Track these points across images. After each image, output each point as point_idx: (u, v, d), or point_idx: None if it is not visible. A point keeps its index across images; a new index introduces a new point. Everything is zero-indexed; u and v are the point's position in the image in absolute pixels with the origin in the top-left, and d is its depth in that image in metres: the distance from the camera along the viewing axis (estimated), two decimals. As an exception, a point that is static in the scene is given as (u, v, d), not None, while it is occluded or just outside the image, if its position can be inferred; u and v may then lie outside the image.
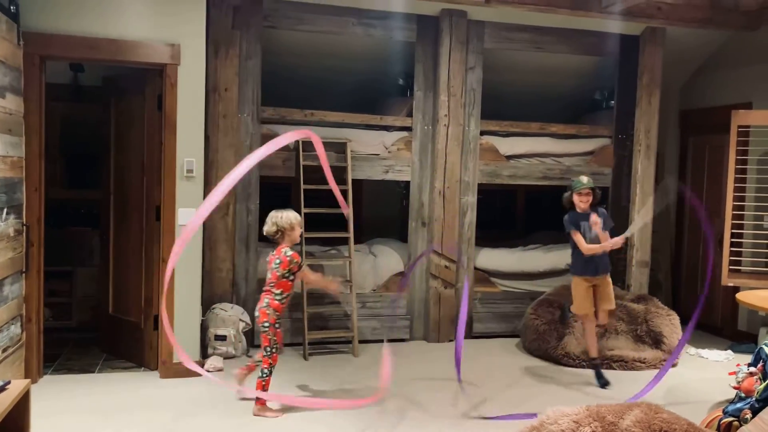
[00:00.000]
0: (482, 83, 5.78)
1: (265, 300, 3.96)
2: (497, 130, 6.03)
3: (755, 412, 3.14)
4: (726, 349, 5.66)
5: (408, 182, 5.81)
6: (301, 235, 4.22)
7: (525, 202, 8.02)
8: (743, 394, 3.48)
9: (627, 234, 4.67)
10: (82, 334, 5.51)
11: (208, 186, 4.82)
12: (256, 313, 3.99)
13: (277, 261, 3.92)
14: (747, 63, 6.06)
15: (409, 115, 5.77)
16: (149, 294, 4.68)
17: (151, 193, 4.67)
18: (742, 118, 5.54)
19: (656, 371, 4.81)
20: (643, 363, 5.09)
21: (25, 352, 4.15)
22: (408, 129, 5.76)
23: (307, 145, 5.42)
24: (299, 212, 4.56)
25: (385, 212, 7.25)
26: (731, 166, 5.54)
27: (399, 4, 5.35)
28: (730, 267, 5.53)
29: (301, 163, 5.32)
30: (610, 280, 4.73)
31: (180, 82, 4.47)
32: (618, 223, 5.13)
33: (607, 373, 4.75)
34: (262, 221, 5.34)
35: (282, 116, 5.45)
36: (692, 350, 5.58)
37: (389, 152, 5.73)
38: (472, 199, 5.84)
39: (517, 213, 8.06)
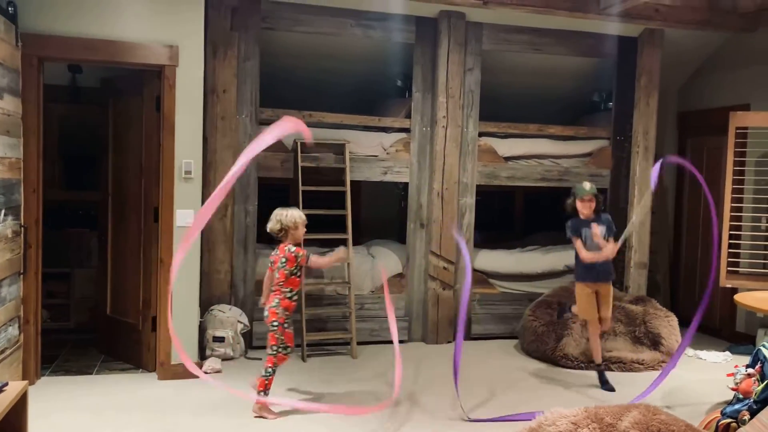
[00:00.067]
0: (480, 85, 5.79)
1: (275, 300, 3.95)
2: (496, 132, 6.03)
3: (753, 414, 3.14)
4: (724, 351, 5.66)
5: (406, 183, 5.82)
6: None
7: (523, 204, 8.03)
8: (741, 396, 3.49)
9: (624, 237, 4.66)
10: (80, 335, 5.50)
11: (206, 187, 4.83)
12: (265, 313, 3.98)
13: (283, 260, 3.93)
14: (745, 65, 6.07)
15: (408, 116, 5.77)
16: (147, 295, 4.68)
17: (149, 195, 4.67)
18: (740, 120, 5.54)
19: (654, 373, 4.82)
20: (642, 364, 5.09)
21: (23, 354, 4.14)
22: (406, 130, 5.76)
23: (306, 147, 5.43)
24: (297, 213, 4.55)
25: (383, 214, 7.25)
26: (729, 167, 5.55)
27: (397, 5, 5.35)
28: (728, 268, 5.53)
29: (300, 164, 5.32)
30: (611, 288, 4.70)
31: (178, 83, 4.47)
32: (617, 224, 5.12)
33: (605, 375, 4.74)
34: (260, 223, 5.37)
35: (280, 117, 5.43)
36: (690, 351, 5.58)
37: (388, 153, 5.73)
38: (470, 200, 5.84)
39: (515, 214, 8.07)
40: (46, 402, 3.98)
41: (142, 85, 4.71)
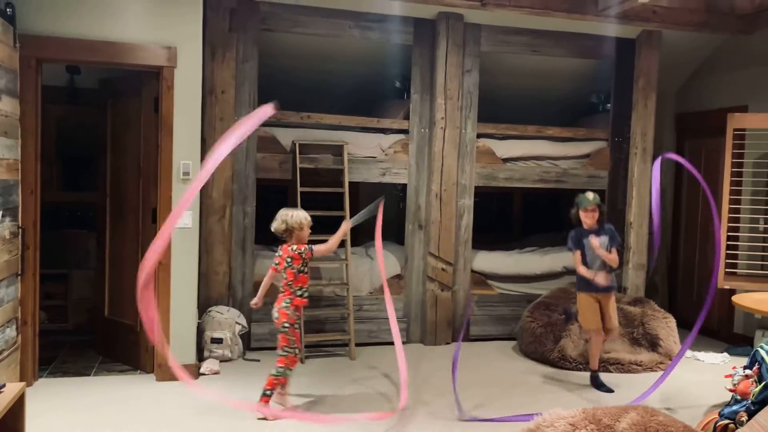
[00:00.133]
0: (479, 86, 5.79)
1: (284, 301, 3.95)
2: (494, 133, 6.04)
3: (751, 415, 3.15)
4: (722, 352, 5.66)
5: (405, 185, 5.82)
6: None
7: (522, 205, 8.04)
8: (739, 397, 3.49)
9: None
10: (78, 336, 5.50)
11: (204, 189, 4.82)
12: (276, 315, 3.97)
13: (289, 259, 3.94)
14: (742, 66, 6.08)
15: (406, 117, 5.78)
16: (145, 297, 4.67)
17: (147, 196, 4.67)
18: (738, 122, 5.55)
19: (653, 374, 4.82)
20: (640, 366, 5.10)
21: (21, 355, 4.13)
22: (405, 132, 5.76)
23: (304, 148, 5.44)
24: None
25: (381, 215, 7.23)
26: (727, 169, 5.56)
27: (396, 7, 5.36)
28: (726, 270, 5.54)
29: (298, 165, 5.32)
30: (614, 299, 4.67)
31: (176, 84, 4.46)
32: (616, 226, 5.13)
33: (604, 376, 4.75)
34: (258, 224, 5.38)
35: (279, 119, 5.44)
36: (689, 353, 5.58)
37: (386, 155, 5.73)
38: (468, 201, 5.84)
39: (513, 216, 8.07)
40: (44, 403, 3.98)
41: (141, 87, 4.70)
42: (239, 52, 5.20)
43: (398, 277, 5.83)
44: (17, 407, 2.81)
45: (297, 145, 5.37)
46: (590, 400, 4.39)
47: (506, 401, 4.35)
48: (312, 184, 5.35)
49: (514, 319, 5.84)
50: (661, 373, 4.67)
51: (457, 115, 5.71)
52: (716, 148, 6.11)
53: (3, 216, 3.78)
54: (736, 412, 3.36)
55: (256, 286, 4.92)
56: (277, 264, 4.00)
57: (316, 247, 4.02)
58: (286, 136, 5.47)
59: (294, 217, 3.96)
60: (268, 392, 3.90)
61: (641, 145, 6.04)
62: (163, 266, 4.46)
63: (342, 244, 5.40)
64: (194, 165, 4.55)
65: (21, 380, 4.01)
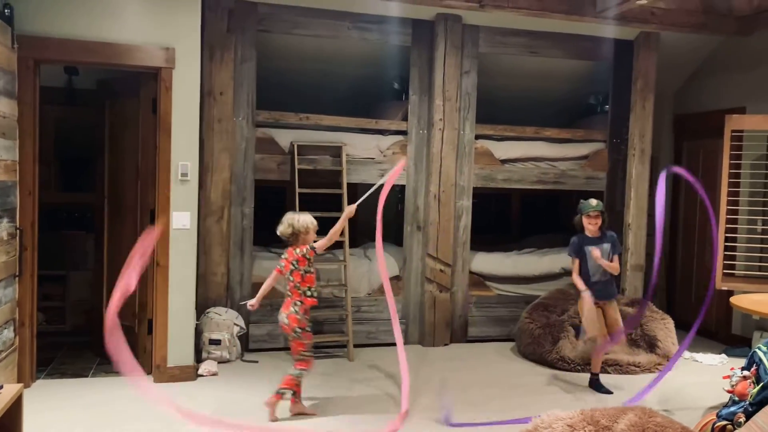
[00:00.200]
0: (477, 87, 5.80)
1: (294, 304, 3.94)
2: (492, 134, 6.04)
3: (749, 416, 3.15)
4: (720, 353, 5.67)
5: (403, 186, 5.82)
6: None
7: (520, 206, 8.04)
8: (737, 398, 3.49)
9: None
10: (76, 338, 5.49)
11: (202, 190, 4.81)
12: (285, 320, 3.95)
13: (295, 262, 3.94)
14: (740, 68, 6.09)
15: (405, 119, 5.78)
16: (143, 298, 4.67)
17: (145, 197, 4.66)
18: (736, 123, 5.56)
19: (651, 375, 4.82)
20: (638, 367, 5.10)
21: (18, 357, 4.13)
22: (403, 133, 5.76)
23: (303, 149, 5.43)
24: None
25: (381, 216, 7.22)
26: (725, 170, 5.56)
27: (394, 8, 5.36)
28: (724, 271, 5.54)
29: (296, 166, 5.32)
30: (616, 306, 4.67)
31: (175, 85, 4.46)
32: (614, 227, 5.14)
33: (602, 377, 4.74)
34: (257, 225, 5.38)
35: (277, 120, 5.45)
36: (686, 354, 5.58)
37: (384, 156, 5.73)
38: (467, 202, 5.84)
39: (512, 217, 8.07)
40: (42, 404, 3.97)
41: (139, 87, 4.70)
42: (237, 53, 5.19)
43: (397, 278, 5.83)
44: (15, 408, 2.80)
45: (295, 146, 5.37)
46: (588, 402, 4.38)
47: (504, 402, 4.35)
48: (310, 186, 5.34)
49: (513, 320, 5.84)
50: (658, 373, 4.67)
51: (456, 116, 5.71)
52: (714, 150, 6.12)
53: (1, 217, 3.78)
54: (734, 413, 3.36)
55: (255, 287, 4.92)
56: (282, 267, 4.00)
57: (318, 244, 4.02)
58: (284, 138, 5.47)
59: (301, 221, 3.97)
60: (283, 391, 3.89)
61: (639, 146, 6.05)
62: (162, 267, 4.45)
63: (340, 245, 5.41)
64: (192, 166, 4.55)
65: (19, 381, 4.00)
